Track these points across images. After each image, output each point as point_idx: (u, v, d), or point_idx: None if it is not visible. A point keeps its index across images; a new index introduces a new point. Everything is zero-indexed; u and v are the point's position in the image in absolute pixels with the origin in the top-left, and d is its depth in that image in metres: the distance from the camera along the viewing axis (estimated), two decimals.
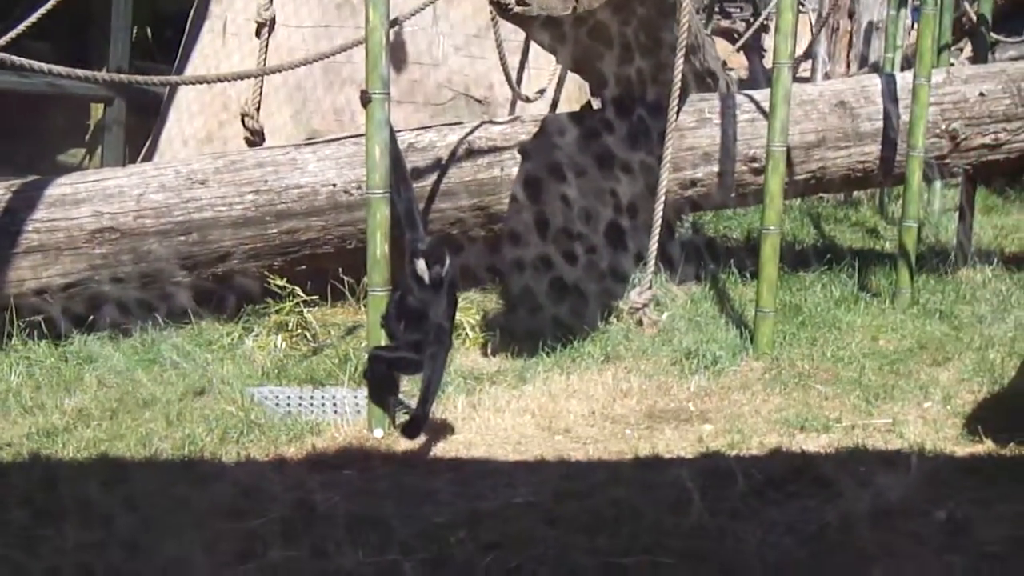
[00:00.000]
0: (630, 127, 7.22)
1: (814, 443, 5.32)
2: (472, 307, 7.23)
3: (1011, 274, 8.06)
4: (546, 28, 6.11)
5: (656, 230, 6.91)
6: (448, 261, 5.21)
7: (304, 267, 7.17)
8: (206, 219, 6.95)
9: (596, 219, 7.19)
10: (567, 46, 6.34)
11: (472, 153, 7.40)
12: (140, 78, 7.53)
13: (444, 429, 5.50)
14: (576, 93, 8.70)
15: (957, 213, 9.08)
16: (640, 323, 6.89)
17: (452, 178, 7.34)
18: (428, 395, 5.15)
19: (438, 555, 4.00)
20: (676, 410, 5.87)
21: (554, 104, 8.68)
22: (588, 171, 7.19)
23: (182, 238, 6.92)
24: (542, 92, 8.57)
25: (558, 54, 7.14)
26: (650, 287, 7.00)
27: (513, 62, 8.40)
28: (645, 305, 6.93)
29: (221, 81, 7.34)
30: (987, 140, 7.85)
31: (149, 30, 13.22)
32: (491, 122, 7.70)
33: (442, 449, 5.32)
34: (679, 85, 6.81)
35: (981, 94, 7.85)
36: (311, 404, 5.95)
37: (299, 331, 6.80)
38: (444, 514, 4.43)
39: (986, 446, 5.11)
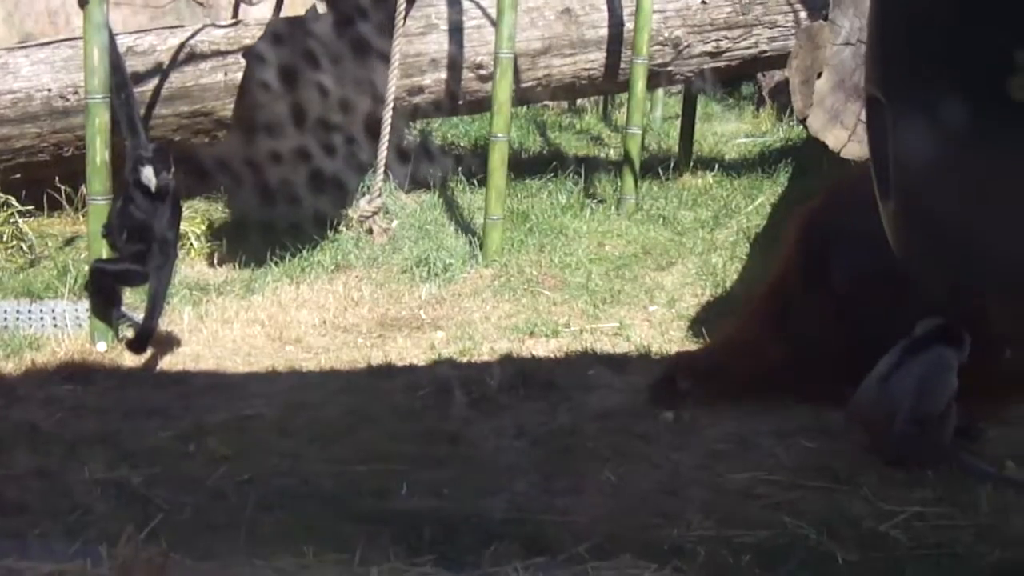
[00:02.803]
0: (356, 32, 7.11)
1: (543, 348, 5.41)
2: (197, 216, 7.07)
3: (731, 180, 8.29)
4: None
5: (385, 137, 6.85)
6: (172, 168, 5.07)
7: (19, 176, 6.89)
8: None
9: (322, 126, 7.09)
10: None
11: (194, 57, 7.17)
12: None
13: (170, 342, 5.39)
14: None
15: (679, 120, 9.29)
16: (370, 231, 6.85)
17: (174, 83, 7.11)
18: (155, 309, 5.07)
19: (168, 470, 3.91)
20: (408, 318, 5.88)
21: (278, 7, 8.48)
22: (314, 77, 7.07)
23: None
24: None
25: None
26: (380, 195, 6.95)
27: None
28: (375, 213, 6.89)
29: None
30: (709, 48, 8.00)
31: None
32: (214, 25, 7.47)
33: (169, 362, 5.22)
34: None
35: (703, 2, 7.95)
36: (29, 318, 5.75)
37: (14, 243, 6.57)
38: (173, 428, 4.34)
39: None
